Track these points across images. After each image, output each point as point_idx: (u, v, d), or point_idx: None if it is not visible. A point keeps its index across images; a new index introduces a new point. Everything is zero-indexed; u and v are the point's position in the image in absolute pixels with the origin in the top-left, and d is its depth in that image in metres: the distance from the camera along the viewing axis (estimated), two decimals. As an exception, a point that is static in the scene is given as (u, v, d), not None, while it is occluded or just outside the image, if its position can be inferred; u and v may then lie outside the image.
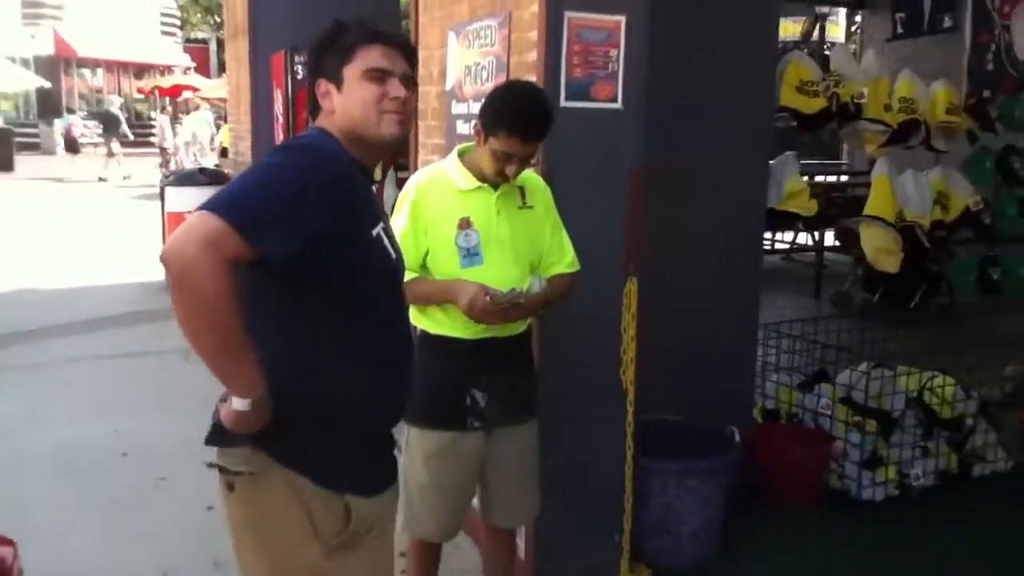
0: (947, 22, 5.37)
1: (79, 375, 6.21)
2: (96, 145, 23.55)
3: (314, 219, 1.72)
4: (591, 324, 3.20)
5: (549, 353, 3.14)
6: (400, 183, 7.34)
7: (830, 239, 9.14)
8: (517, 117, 2.52)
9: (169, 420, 5.16)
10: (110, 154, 21.06)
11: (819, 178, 11.20)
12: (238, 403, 1.74)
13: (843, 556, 3.66)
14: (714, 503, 3.46)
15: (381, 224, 1.93)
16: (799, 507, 3.92)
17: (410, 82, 1.94)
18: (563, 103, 3.13)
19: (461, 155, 2.71)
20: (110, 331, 7.38)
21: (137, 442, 4.93)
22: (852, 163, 12.30)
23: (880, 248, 5.31)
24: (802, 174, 9.79)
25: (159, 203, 9.08)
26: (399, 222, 2.64)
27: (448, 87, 4.00)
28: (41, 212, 14.72)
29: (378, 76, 1.88)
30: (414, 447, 2.71)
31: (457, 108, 3.92)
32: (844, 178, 11.21)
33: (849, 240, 7.49)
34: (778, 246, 10.23)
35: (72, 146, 23.23)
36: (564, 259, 2.78)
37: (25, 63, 27.87)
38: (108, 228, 12.88)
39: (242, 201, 1.67)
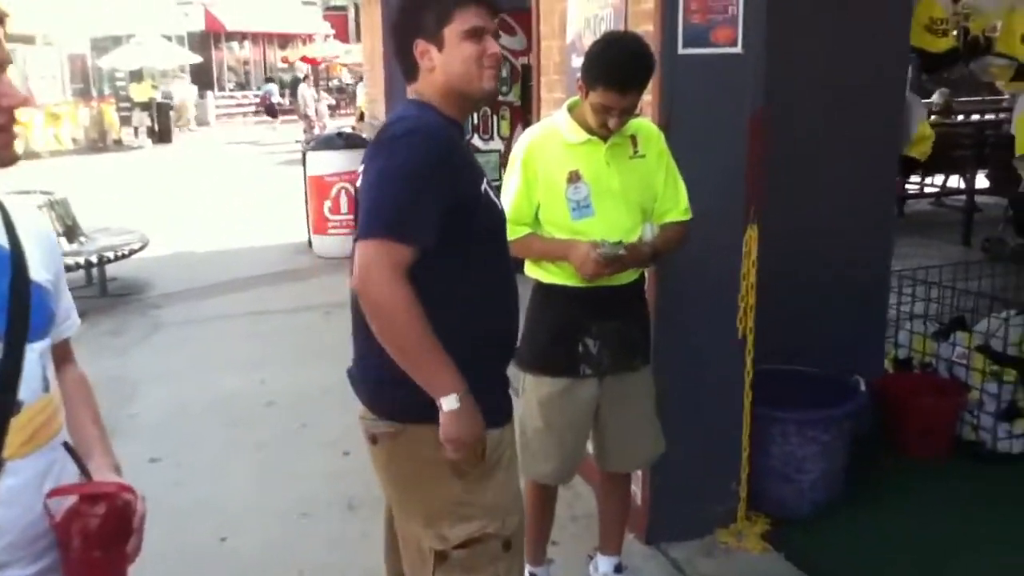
0: None
1: (230, 331, 6.63)
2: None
3: (440, 198, 1.90)
4: (709, 271, 3.19)
5: (668, 300, 3.16)
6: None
7: (981, 182, 8.66)
8: (613, 70, 2.53)
9: (310, 372, 5.46)
10: (304, 117, 22.04)
11: (974, 116, 10.57)
12: (447, 403, 1.89)
13: (976, 509, 3.53)
14: (836, 453, 3.39)
15: (485, 180, 2.06)
16: (930, 459, 3.80)
17: (496, 36, 2.06)
18: (681, 50, 3.11)
19: (571, 109, 2.74)
20: (258, 290, 7.81)
21: (281, 392, 5.25)
22: (1015, 99, 11.55)
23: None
24: (955, 112, 9.30)
25: (301, 168, 9.44)
26: (512, 179, 2.71)
27: (568, 40, 4.01)
28: (197, 179, 15.57)
29: (476, 35, 1.98)
30: (529, 393, 2.79)
31: (577, 62, 3.91)
32: (1003, 115, 10.54)
33: (1005, 181, 7.09)
34: (928, 190, 9.76)
35: (271, 111, 24.45)
36: (678, 207, 2.78)
37: (180, 40, 29.31)
38: (255, 193, 13.51)
39: (392, 215, 1.86)
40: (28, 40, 22.95)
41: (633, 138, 2.72)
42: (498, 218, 2.13)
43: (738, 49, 3.18)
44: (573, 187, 2.64)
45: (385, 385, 1.99)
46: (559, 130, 2.72)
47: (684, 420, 3.16)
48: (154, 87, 26.19)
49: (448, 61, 1.98)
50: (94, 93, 25.49)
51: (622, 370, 2.76)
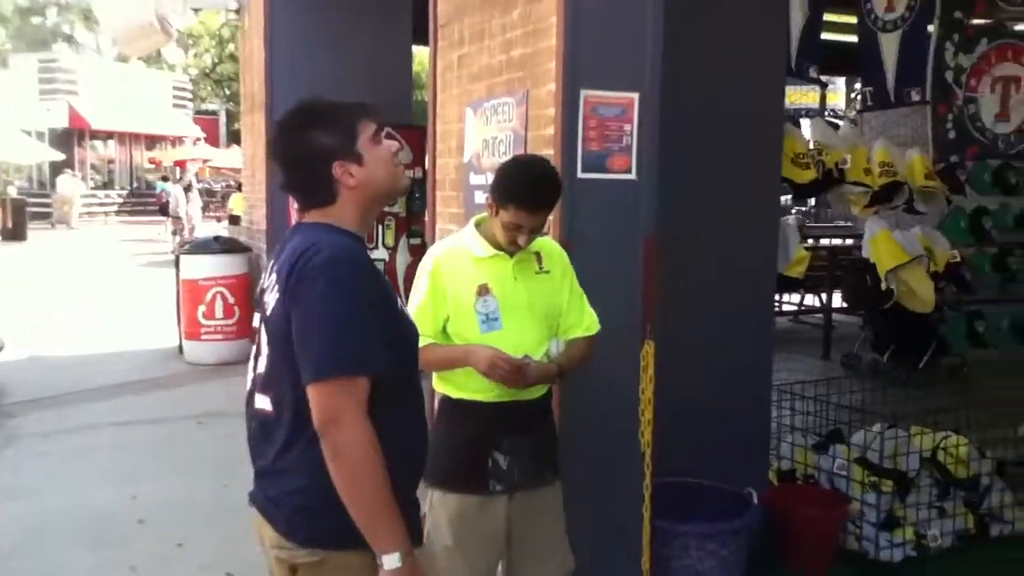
0: (915, 96, 5.70)
1: (94, 442, 6.25)
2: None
3: (380, 321, 1.93)
4: (610, 386, 3.27)
5: (569, 414, 3.21)
6: (412, 249, 7.52)
7: (837, 301, 9.24)
8: (525, 190, 2.63)
9: (185, 486, 5.23)
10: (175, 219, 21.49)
11: (824, 241, 11.38)
12: (389, 561, 1.86)
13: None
14: (736, 566, 3.47)
15: (399, 298, 2.10)
16: (817, 570, 3.92)
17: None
18: (580, 175, 3.27)
19: (478, 225, 2.83)
20: (124, 398, 7.43)
21: (154, 508, 4.96)
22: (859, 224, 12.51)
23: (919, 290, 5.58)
24: (806, 236, 10.02)
25: (173, 270, 9.20)
26: (419, 291, 2.75)
27: (466, 159, 4.14)
28: (55, 279, 14.88)
29: (378, 136, 2.06)
30: (438, 510, 2.76)
31: (475, 179, 4.05)
32: (850, 240, 11.38)
33: (858, 301, 7.63)
34: (786, 308, 10.33)
35: (164, 211, 23.95)
36: (582, 322, 2.85)
37: (40, 135, 28.41)
38: (120, 295, 13.02)
39: (344, 349, 1.87)
40: None
41: (538, 255, 2.81)
42: (414, 337, 2.16)
43: (632, 176, 3.36)
44: (482, 300, 2.70)
45: (310, 511, 1.94)
46: (466, 246, 2.79)
47: (589, 534, 3.17)
48: (7, 183, 25.20)
49: (370, 171, 2.03)
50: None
51: (533, 485, 2.77)
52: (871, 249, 6.27)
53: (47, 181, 29.95)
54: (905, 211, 6.24)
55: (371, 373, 1.88)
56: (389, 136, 7.04)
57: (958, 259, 6.09)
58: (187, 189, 21.85)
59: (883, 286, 6.07)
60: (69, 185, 27.33)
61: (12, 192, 24.11)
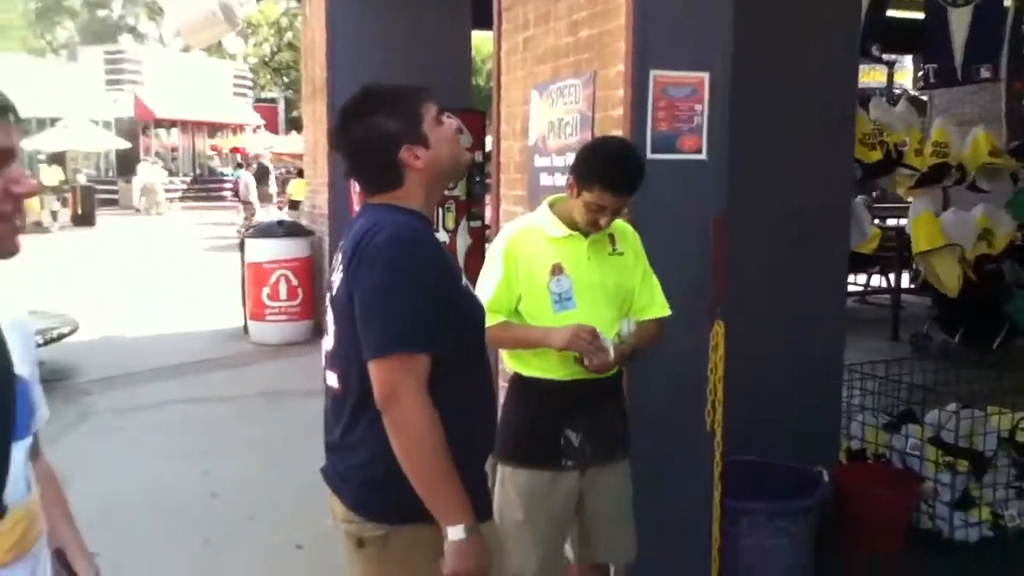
0: (984, 72, 5.52)
1: (166, 419, 6.45)
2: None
3: (441, 300, 1.96)
4: (679, 366, 3.27)
5: (638, 394, 3.22)
6: (472, 232, 7.57)
7: (906, 281, 9.08)
8: (612, 172, 2.65)
9: (255, 462, 5.37)
10: (264, 201, 21.95)
11: (891, 221, 11.18)
12: (454, 532, 1.90)
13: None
14: (804, 544, 3.46)
15: (463, 276, 2.13)
16: (889, 549, 3.89)
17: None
18: (649, 155, 3.25)
19: (552, 205, 2.84)
20: (193, 376, 7.66)
21: (226, 483, 5.11)
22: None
23: (944, 276, 5.48)
24: (875, 218, 9.87)
25: (238, 254, 9.39)
26: (493, 271, 2.76)
27: (531, 142, 4.15)
28: (125, 264, 15.27)
29: (440, 116, 2.10)
30: (508, 486, 2.79)
31: (540, 161, 4.06)
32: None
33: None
34: (851, 288, 10.16)
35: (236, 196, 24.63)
36: (654, 305, 2.87)
37: (107, 125, 29.12)
38: (188, 278, 13.32)
39: (405, 327, 1.91)
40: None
41: (611, 236, 2.82)
42: (479, 315, 2.18)
43: (703, 156, 3.35)
44: (556, 280, 2.72)
45: (375, 485, 1.98)
46: (540, 226, 2.80)
47: (657, 512, 3.19)
48: (76, 171, 25.88)
49: (436, 153, 2.06)
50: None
51: (604, 462, 2.79)
52: (912, 228, 6.15)
53: (114, 168, 30.70)
54: (969, 189, 6.08)
55: (430, 350, 1.91)
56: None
57: (1021, 240, 5.93)
58: (263, 174, 22.13)
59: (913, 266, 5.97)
60: (151, 173, 27.93)
61: (82, 179, 24.72)
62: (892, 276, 9.34)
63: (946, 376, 4.53)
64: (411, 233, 1.97)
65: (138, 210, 27.34)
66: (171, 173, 31.03)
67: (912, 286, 8.88)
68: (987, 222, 5.85)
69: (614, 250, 2.82)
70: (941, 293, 7.59)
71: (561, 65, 3.83)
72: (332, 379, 2.08)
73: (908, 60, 18.87)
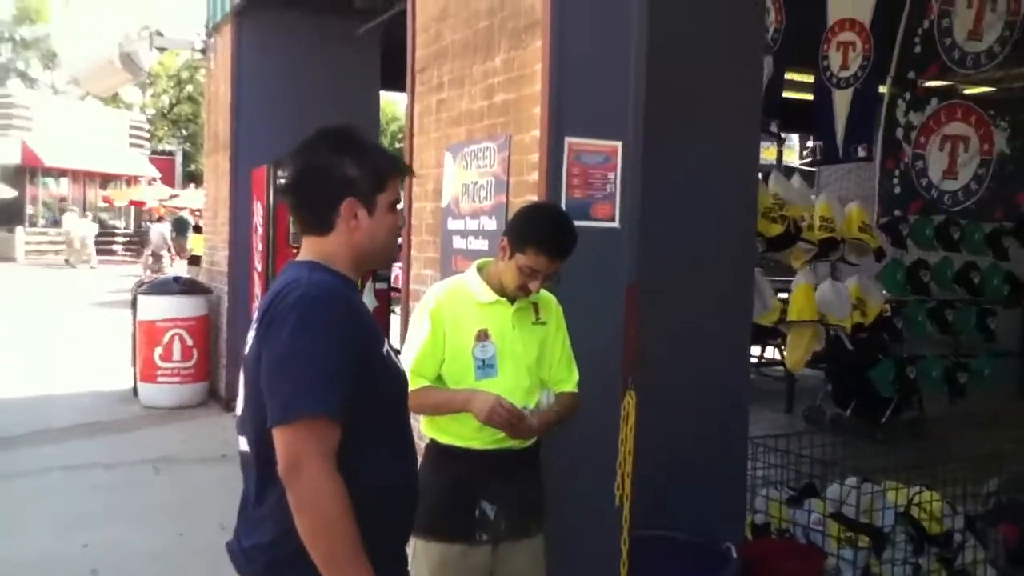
0: (860, 152, 5.88)
1: (44, 487, 6.04)
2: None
3: (358, 362, 1.85)
4: (591, 436, 3.22)
5: (550, 465, 3.14)
6: (378, 294, 7.45)
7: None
8: (547, 236, 2.63)
9: (139, 534, 5.05)
10: (180, 254, 21.16)
11: (781, 295, 11.49)
12: None
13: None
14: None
15: (386, 342, 2.02)
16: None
17: None
18: (563, 222, 3.23)
19: (480, 269, 2.79)
20: (76, 441, 7.21)
21: (107, 557, 4.77)
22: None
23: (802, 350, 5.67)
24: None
25: (126, 311, 8.99)
26: (420, 330, 2.69)
27: (444, 204, 4.11)
28: (3, 317, 14.47)
29: (395, 207, 2.02)
30: (420, 559, 2.67)
31: (453, 224, 4.02)
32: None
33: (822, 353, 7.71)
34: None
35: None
36: (571, 378, 2.85)
37: (-11, 172, 27.92)
38: (70, 336, 12.70)
39: (310, 391, 1.77)
40: None
41: (535, 305, 2.79)
42: (401, 383, 2.08)
43: (615, 224, 3.36)
44: (481, 345, 2.66)
45: (279, 567, 1.85)
46: (468, 289, 2.75)
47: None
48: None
49: (374, 227, 1.97)
50: None
51: (519, 536, 2.71)
52: (791, 298, 6.35)
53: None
54: (843, 262, 6.35)
55: (337, 416, 1.79)
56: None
57: (888, 311, 6.21)
58: (182, 227, 21.42)
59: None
60: (81, 225, 27.03)
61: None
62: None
63: (844, 451, 4.60)
64: (328, 291, 1.87)
65: (67, 261, 26.47)
66: (56, 224, 29.85)
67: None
68: (859, 292, 6.08)
69: (537, 319, 2.79)
70: (833, 366, 7.81)
71: (476, 128, 3.82)
72: (243, 444, 1.95)
73: (795, 138, 19.74)
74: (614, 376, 3.28)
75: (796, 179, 6.11)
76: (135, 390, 8.60)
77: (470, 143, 3.87)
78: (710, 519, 3.80)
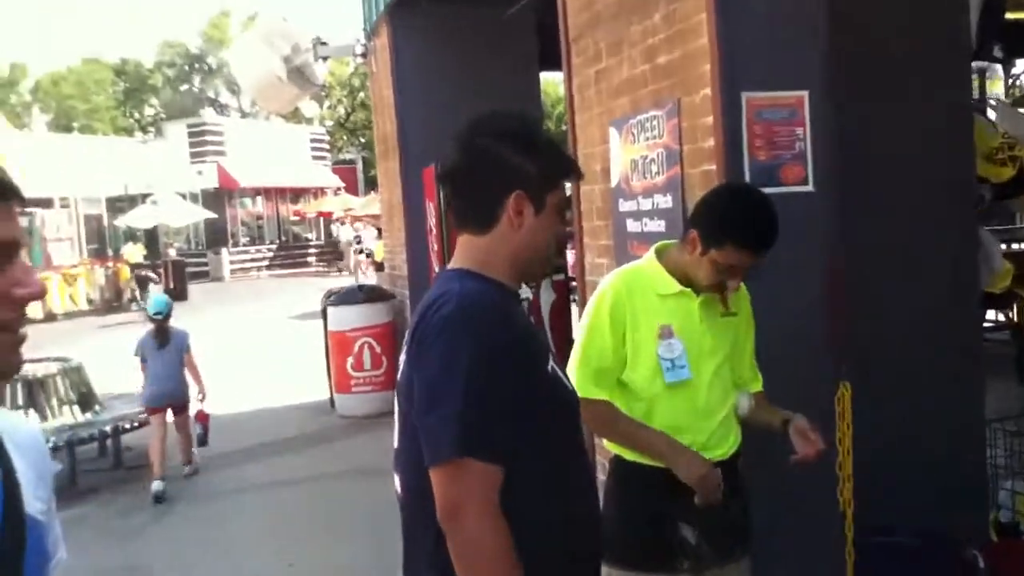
0: None
1: (251, 504, 6.21)
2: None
3: (520, 383, 1.63)
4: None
5: (754, 478, 2.75)
6: (555, 286, 7.16)
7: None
8: (749, 230, 2.25)
9: (344, 550, 5.04)
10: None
11: (1015, 245, 10.32)
12: None
13: None
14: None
15: (551, 358, 1.76)
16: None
17: None
18: (748, 191, 2.82)
19: (659, 254, 2.43)
20: (280, 457, 7.36)
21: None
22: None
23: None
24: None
25: (320, 322, 9.15)
26: (596, 330, 2.36)
27: (613, 184, 3.76)
28: (214, 337, 15.28)
29: (562, 211, 1.81)
30: (614, 592, 2.36)
31: (625, 205, 3.67)
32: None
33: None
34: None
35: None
36: (758, 377, 2.53)
37: (194, 197, 29.88)
38: (273, 350, 13.19)
39: (466, 428, 1.57)
40: (45, 203, 23.34)
41: (722, 294, 2.40)
42: (570, 402, 1.79)
43: (810, 187, 2.92)
44: (666, 344, 2.31)
45: None
46: (648, 278, 2.39)
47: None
48: (168, 245, 26.54)
49: (538, 229, 1.72)
50: (110, 253, 25.74)
51: (724, 562, 2.35)
52: None
53: (203, 241, 31.42)
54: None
55: (498, 452, 1.57)
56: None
57: None
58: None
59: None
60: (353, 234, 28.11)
61: (172, 254, 25.29)
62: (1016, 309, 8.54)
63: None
64: (481, 302, 1.63)
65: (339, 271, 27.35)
66: (254, 242, 31.51)
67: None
68: None
69: (727, 311, 2.40)
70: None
71: (640, 96, 3.45)
72: (397, 483, 1.76)
73: (998, 68, 17.87)
74: (820, 366, 2.85)
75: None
76: (331, 401, 8.75)
77: (635, 114, 3.50)
78: (946, 520, 3.27)
